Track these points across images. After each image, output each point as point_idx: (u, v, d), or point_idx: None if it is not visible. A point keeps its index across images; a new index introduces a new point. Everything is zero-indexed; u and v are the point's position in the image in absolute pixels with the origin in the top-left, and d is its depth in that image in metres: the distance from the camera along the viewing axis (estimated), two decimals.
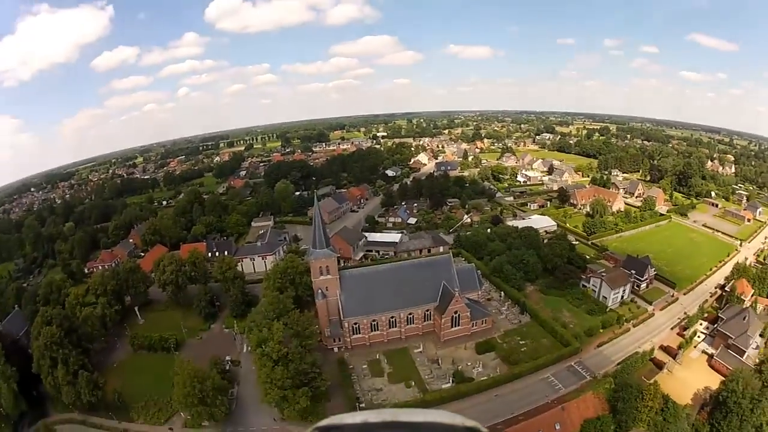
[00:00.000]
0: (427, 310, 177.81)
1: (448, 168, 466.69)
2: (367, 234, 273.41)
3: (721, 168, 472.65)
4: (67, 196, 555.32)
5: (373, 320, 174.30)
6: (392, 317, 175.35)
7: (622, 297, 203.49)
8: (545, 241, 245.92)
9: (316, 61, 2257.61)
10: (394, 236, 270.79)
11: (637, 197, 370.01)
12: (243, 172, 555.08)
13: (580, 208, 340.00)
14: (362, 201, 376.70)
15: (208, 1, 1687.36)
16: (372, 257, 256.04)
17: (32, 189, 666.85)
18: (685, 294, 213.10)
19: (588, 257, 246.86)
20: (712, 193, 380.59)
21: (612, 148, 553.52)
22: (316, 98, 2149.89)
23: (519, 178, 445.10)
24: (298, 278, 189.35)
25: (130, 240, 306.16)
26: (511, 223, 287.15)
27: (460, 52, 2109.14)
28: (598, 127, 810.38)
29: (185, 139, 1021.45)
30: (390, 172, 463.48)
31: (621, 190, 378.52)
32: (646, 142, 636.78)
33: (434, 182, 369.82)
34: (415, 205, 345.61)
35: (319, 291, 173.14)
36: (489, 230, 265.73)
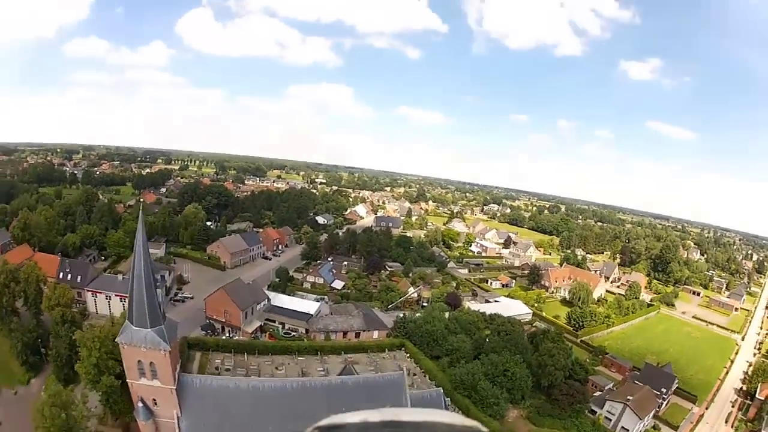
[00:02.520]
0: None
1: (390, 225, 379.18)
2: (272, 294, 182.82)
3: (686, 254, 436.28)
4: None
5: None
6: None
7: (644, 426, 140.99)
8: (530, 339, 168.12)
9: (271, 97, 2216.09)
10: (309, 304, 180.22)
11: (613, 282, 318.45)
12: (163, 189, 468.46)
13: (553, 292, 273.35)
14: (280, 247, 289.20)
15: (182, 12, 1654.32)
16: (271, 331, 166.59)
17: None
18: (707, 408, 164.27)
19: (584, 363, 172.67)
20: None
21: (572, 225, 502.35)
22: (264, 135, 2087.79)
23: (473, 247, 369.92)
24: None
25: (9, 230, 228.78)
26: (473, 305, 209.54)
27: (411, 114, 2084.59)
28: (547, 205, 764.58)
29: (129, 147, 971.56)
30: (321, 219, 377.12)
31: (597, 273, 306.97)
32: (599, 223, 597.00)
33: (373, 237, 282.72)
34: (345, 264, 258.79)
35: (140, 404, 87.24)
36: (447, 314, 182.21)
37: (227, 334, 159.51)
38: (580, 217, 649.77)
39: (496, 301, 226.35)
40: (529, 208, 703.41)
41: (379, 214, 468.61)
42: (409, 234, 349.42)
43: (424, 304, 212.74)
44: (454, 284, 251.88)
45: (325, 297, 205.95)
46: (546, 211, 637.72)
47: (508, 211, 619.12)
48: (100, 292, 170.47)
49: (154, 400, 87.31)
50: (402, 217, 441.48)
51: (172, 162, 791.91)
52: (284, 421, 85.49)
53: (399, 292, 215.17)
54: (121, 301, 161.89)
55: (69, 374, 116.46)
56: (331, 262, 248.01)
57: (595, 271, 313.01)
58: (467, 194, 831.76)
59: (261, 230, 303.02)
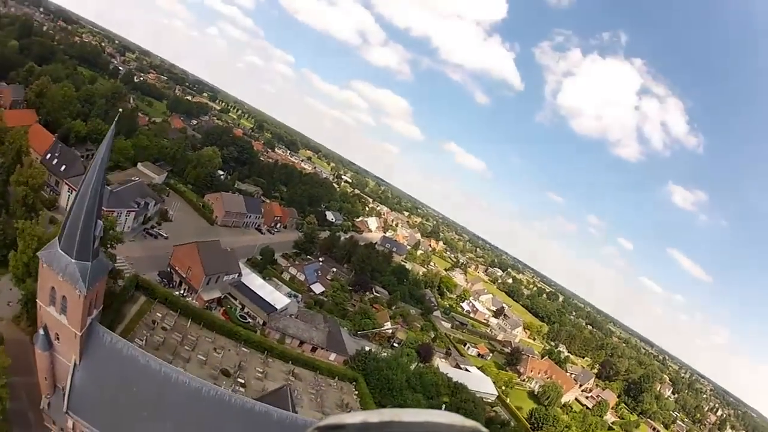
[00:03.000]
0: None
1: (394, 249, 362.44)
2: (246, 271, 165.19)
3: (659, 388, 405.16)
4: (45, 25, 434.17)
5: None
6: None
7: None
8: (487, 424, 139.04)
9: (333, 83, 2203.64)
10: (279, 297, 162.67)
11: (584, 392, 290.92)
12: (194, 121, 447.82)
13: (524, 380, 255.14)
14: (278, 226, 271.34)
15: None
16: (227, 308, 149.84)
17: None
18: None
19: None
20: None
21: (565, 320, 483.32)
22: (312, 115, 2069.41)
23: (464, 305, 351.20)
24: None
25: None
26: (442, 366, 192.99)
27: (457, 153, 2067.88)
28: (547, 289, 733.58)
29: (183, 70, 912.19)
30: (330, 216, 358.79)
31: (572, 378, 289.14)
32: (590, 326, 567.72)
33: (372, 255, 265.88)
34: (334, 270, 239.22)
35: (41, 332, 73.97)
36: (413, 366, 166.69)
37: (182, 292, 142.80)
38: (574, 313, 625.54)
39: (467, 369, 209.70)
40: (530, 286, 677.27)
41: (387, 234, 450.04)
42: (408, 266, 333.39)
43: (395, 344, 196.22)
44: (432, 335, 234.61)
45: (299, 296, 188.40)
46: (545, 296, 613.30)
47: (510, 281, 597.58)
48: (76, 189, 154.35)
49: (57, 335, 73.63)
50: (408, 246, 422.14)
51: (216, 101, 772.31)
52: (180, 428, 70.30)
53: (375, 322, 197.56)
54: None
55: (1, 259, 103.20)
56: (321, 263, 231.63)
57: (572, 375, 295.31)
58: (477, 249, 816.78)
59: (267, 201, 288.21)
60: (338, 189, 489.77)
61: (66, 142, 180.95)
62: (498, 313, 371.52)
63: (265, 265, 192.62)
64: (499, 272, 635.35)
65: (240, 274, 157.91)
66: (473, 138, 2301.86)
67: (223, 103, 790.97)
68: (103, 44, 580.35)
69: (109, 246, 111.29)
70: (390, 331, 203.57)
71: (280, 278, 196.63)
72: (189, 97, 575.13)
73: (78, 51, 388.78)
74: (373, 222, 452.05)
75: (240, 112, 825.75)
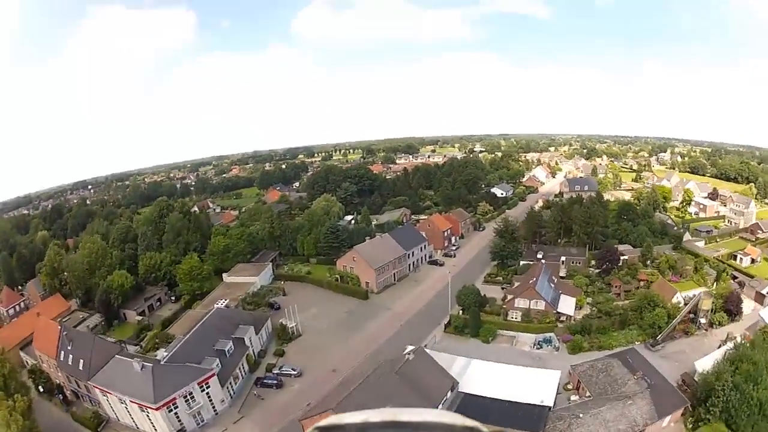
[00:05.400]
0: None
1: (586, 188, 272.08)
2: (459, 362, 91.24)
3: None
4: (88, 198, 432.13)
5: None
6: None
7: None
8: None
9: (406, 70, 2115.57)
10: (537, 378, 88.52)
11: None
12: (296, 184, 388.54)
13: None
14: (453, 240, 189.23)
15: (295, 11, 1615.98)
16: None
17: (89, 186, 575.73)
18: None
19: None
20: None
21: (753, 168, 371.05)
22: (407, 111, 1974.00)
23: (691, 208, 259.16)
24: None
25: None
26: (747, 305, 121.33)
27: (558, 72, 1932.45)
28: (709, 150, 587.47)
29: (271, 150, 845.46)
30: (498, 191, 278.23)
31: None
32: None
33: (592, 211, 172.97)
34: (562, 260, 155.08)
35: None
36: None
37: None
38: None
39: None
40: (692, 153, 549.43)
41: (559, 176, 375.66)
42: (607, 197, 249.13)
43: (701, 320, 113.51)
44: (691, 267, 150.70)
45: (551, 336, 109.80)
46: (723, 154, 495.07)
47: (679, 159, 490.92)
48: (110, 393, 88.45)
49: None
50: (592, 178, 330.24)
51: (315, 155, 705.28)
52: None
53: (666, 307, 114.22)
54: (144, 412, 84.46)
55: None
56: (543, 263, 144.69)
57: None
58: (630, 146, 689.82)
59: (422, 219, 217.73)
60: (484, 161, 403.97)
61: (108, 307, 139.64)
62: (713, 197, 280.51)
63: (476, 323, 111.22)
64: (666, 156, 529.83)
65: (455, 384, 79.34)
66: (555, 49, 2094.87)
67: (323, 153, 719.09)
68: (170, 175, 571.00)
69: None
70: (696, 305, 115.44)
71: (508, 325, 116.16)
72: (283, 166, 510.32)
73: (133, 197, 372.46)
74: (540, 172, 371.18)
75: (342, 151, 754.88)
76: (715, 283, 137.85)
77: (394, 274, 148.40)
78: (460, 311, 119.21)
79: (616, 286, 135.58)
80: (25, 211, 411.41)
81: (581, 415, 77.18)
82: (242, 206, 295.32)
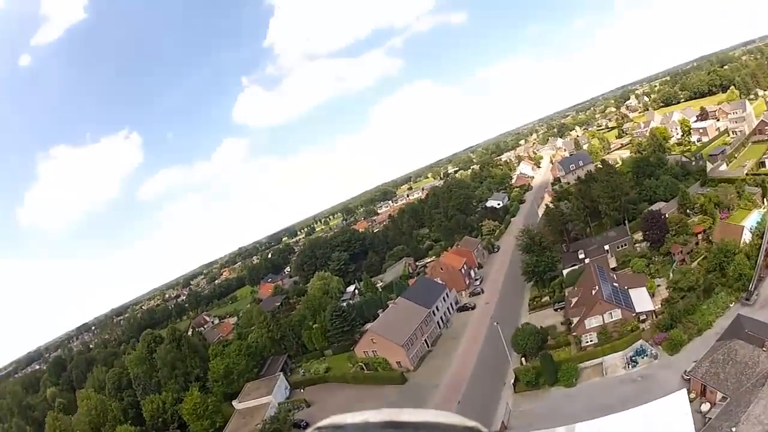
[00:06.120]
0: None
1: (581, 163, 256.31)
2: None
3: None
4: (91, 341, 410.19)
5: None
6: None
7: None
8: None
9: (362, 128, 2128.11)
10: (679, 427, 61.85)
11: None
12: (286, 269, 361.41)
13: None
14: (473, 274, 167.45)
15: (232, 102, 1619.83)
16: None
17: (93, 327, 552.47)
18: None
19: None
20: None
21: (722, 72, 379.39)
22: (374, 165, 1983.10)
23: (693, 138, 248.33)
24: None
25: None
26: None
27: (489, 74, 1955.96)
28: (668, 78, 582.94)
29: (255, 242, 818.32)
30: (494, 203, 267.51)
31: None
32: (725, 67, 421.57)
33: (613, 183, 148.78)
34: (606, 250, 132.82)
35: None
36: None
37: None
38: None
39: None
40: (655, 89, 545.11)
41: (544, 164, 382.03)
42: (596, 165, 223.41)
43: None
44: (734, 195, 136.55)
45: (642, 344, 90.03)
46: (690, 75, 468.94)
47: (646, 99, 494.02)
48: None
49: None
50: (580, 150, 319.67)
51: (298, 233, 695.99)
52: None
53: (741, 251, 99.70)
54: None
55: None
56: (587, 261, 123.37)
57: None
58: (593, 108, 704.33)
59: (428, 263, 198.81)
60: (467, 179, 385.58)
61: None
62: (703, 117, 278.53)
63: (551, 367, 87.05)
64: (633, 102, 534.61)
65: None
66: (485, 48, 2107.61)
67: (305, 229, 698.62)
68: (166, 297, 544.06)
69: None
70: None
71: (587, 353, 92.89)
72: (269, 254, 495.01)
73: (132, 330, 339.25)
74: (526, 167, 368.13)
75: (322, 220, 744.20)
76: (765, 200, 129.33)
77: (425, 340, 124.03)
78: (522, 359, 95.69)
79: (678, 253, 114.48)
80: (37, 366, 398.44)
81: (733, 429, 58.54)
82: (239, 310, 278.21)
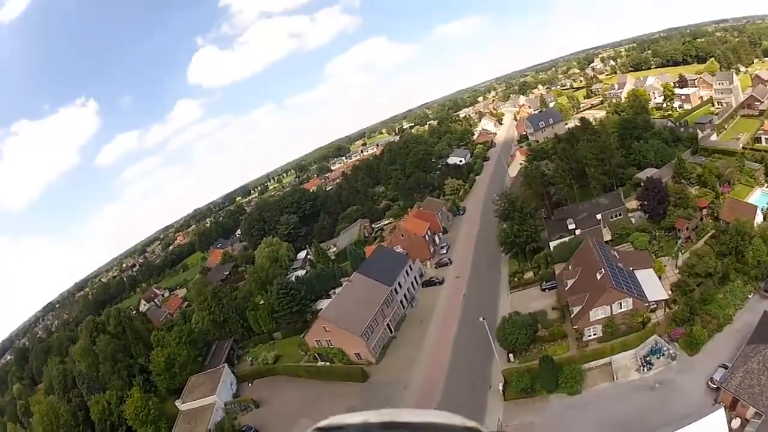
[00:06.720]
0: None
1: (551, 120, 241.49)
2: None
3: None
4: (53, 325, 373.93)
5: None
6: None
7: None
8: None
9: (317, 85, 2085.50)
10: None
11: None
12: (237, 232, 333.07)
13: None
14: (438, 240, 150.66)
15: (186, 63, 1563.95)
16: None
17: (57, 305, 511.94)
18: None
19: None
20: None
21: (700, 44, 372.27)
22: (329, 122, 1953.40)
23: (675, 104, 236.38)
24: None
25: None
26: None
27: (448, 31, 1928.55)
28: (635, 44, 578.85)
29: (212, 203, 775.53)
30: (456, 159, 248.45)
31: None
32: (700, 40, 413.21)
33: (599, 144, 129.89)
34: (598, 219, 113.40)
35: None
36: None
37: None
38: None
39: None
40: (628, 54, 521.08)
41: (506, 121, 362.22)
42: (570, 124, 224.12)
43: None
44: (734, 168, 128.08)
45: (657, 340, 76.51)
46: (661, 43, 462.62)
47: (612, 63, 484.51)
48: None
49: None
50: (550, 109, 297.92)
51: (251, 193, 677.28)
52: None
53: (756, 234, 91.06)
54: None
55: None
56: (576, 230, 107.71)
57: None
58: (554, 68, 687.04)
59: (386, 225, 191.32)
60: (424, 134, 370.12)
61: None
62: (682, 84, 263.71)
63: (551, 371, 71.21)
64: (599, 65, 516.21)
65: None
66: (447, 6, 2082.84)
67: (258, 187, 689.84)
68: (123, 267, 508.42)
69: None
70: None
71: (593, 352, 77.36)
72: (221, 217, 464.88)
73: (87, 309, 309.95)
74: (488, 123, 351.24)
75: (275, 178, 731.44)
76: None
77: (388, 324, 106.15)
78: (509, 356, 79.19)
79: (684, 229, 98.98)
80: (10, 357, 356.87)
81: None
82: (189, 281, 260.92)
